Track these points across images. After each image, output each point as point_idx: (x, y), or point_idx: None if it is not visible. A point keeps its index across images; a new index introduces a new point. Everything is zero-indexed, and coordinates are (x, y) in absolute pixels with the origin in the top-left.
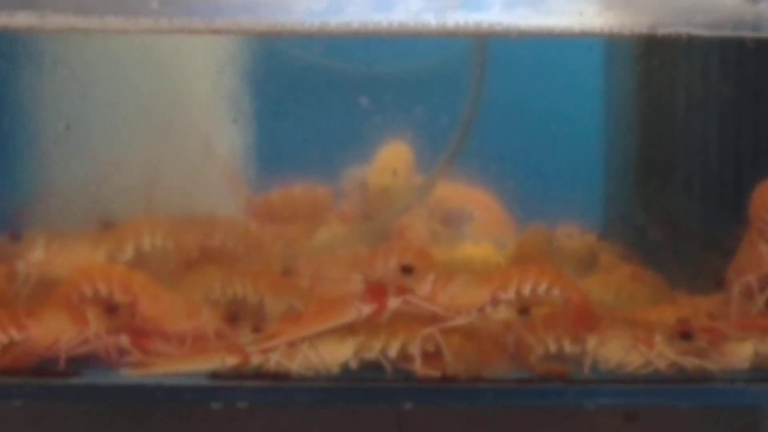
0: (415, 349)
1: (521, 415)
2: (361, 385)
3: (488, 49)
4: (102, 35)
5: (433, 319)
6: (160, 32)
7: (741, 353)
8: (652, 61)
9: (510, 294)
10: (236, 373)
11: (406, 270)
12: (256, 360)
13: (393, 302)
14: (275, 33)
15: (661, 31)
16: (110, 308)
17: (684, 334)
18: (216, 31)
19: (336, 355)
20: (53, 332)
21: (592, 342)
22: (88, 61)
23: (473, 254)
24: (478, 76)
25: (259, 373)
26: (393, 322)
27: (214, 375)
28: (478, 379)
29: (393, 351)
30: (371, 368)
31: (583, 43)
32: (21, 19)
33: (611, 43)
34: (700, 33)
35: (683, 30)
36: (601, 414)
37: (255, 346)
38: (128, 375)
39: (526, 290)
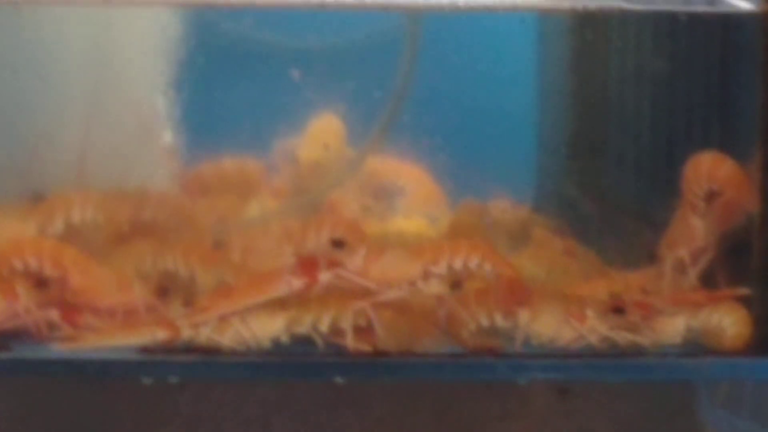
0: (346, 324)
1: (453, 390)
2: (292, 360)
3: (421, 23)
4: (32, 7)
5: (365, 293)
6: (91, 4)
7: (673, 328)
8: (585, 35)
9: (441, 268)
10: (167, 348)
11: (338, 244)
12: (186, 334)
13: (324, 276)
14: (206, 5)
15: (594, 4)
16: (40, 282)
17: (616, 309)
18: (147, 3)
19: (267, 329)
20: None
21: (524, 316)
22: (17, 33)
23: (405, 228)
24: (411, 49)
25: (190, 348)
26: (324, 296)
27: (145, 349)
28: (409, 354)
29: (324, 325)
30: (302, 343)
31: (516, 17)
32: None
33: (544, 17)
34: (632, 7)
35: (615, 3)
36: (534, 388)
37: (186, 320)
38: (58, 349)
39: (458, 264)
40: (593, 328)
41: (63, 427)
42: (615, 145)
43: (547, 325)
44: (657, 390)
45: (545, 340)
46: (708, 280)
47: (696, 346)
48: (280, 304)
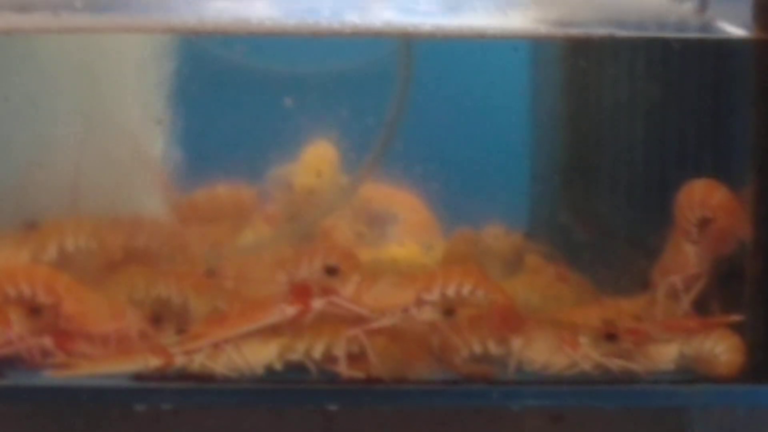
0: (339, 351)
1: (446, 417)
2: (286, 387)
3: (414, 50)
4: (24, 34)
5: (358, 320)
6: (83, 31)
7: (666, 354)
8: (578, 62)
9: (434, 295)
10: (160, 375)
11: (331, 271)
12: (179, 361)
13: (317, 303)
14: (198, 32)
15: (587, 31)
16: (34, 309)
17: (609, 336)
18: (139, 30)
19: (260, 356)
20: None
21: (517, 343)
22: (10, 61)
23: (398, 256)
24: (404, 76)
25: (183, 375)
26: (317, 323)
27: (138, 376)
28: (402, 381)
29: (317, 352)
30: (296, 370)
31: (509, 44)
32: None
33: (537, 44)
34: (625, 34)
35: (608, 31)
36: (527, 415)
37: (179, 348)
38: (51, 376)
39: (451, 291)
40: (586, 355)
41: None
42: (608, 171)
43: (540, 352)
44: (650, 417)
45: (538, 367)
46: (701, 307)
47: (689, 373)
48: (273, 331)
